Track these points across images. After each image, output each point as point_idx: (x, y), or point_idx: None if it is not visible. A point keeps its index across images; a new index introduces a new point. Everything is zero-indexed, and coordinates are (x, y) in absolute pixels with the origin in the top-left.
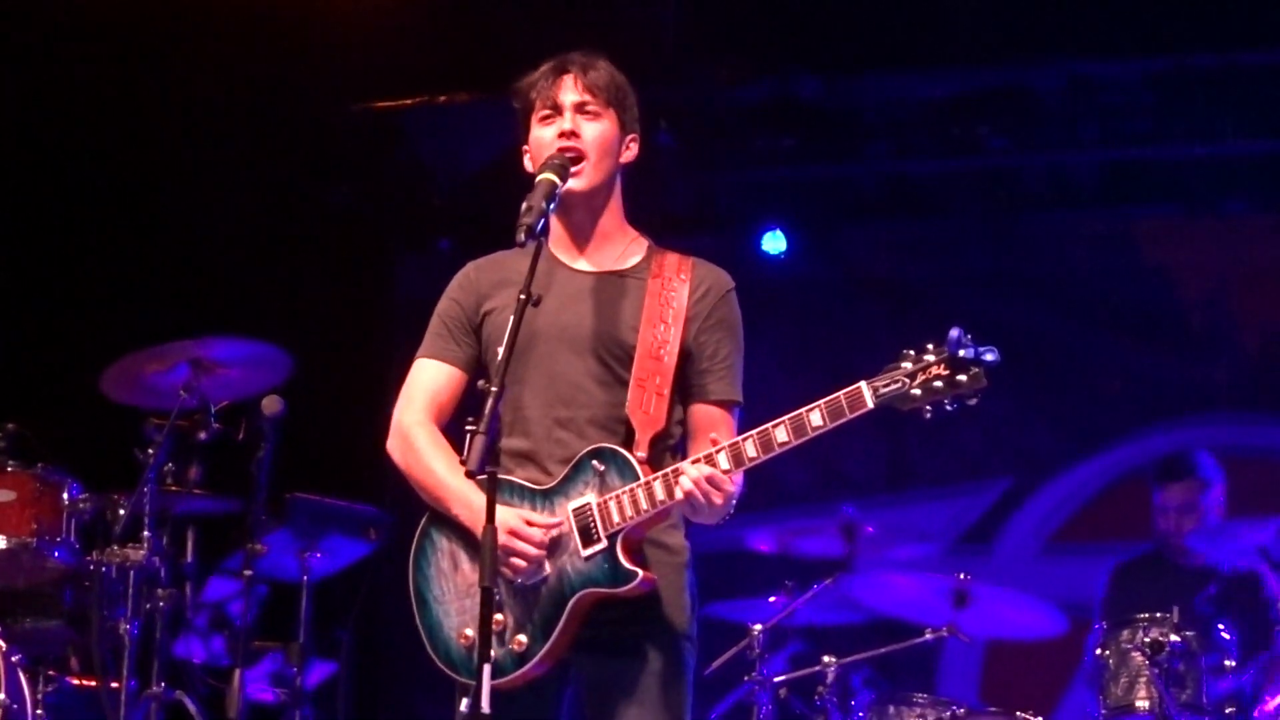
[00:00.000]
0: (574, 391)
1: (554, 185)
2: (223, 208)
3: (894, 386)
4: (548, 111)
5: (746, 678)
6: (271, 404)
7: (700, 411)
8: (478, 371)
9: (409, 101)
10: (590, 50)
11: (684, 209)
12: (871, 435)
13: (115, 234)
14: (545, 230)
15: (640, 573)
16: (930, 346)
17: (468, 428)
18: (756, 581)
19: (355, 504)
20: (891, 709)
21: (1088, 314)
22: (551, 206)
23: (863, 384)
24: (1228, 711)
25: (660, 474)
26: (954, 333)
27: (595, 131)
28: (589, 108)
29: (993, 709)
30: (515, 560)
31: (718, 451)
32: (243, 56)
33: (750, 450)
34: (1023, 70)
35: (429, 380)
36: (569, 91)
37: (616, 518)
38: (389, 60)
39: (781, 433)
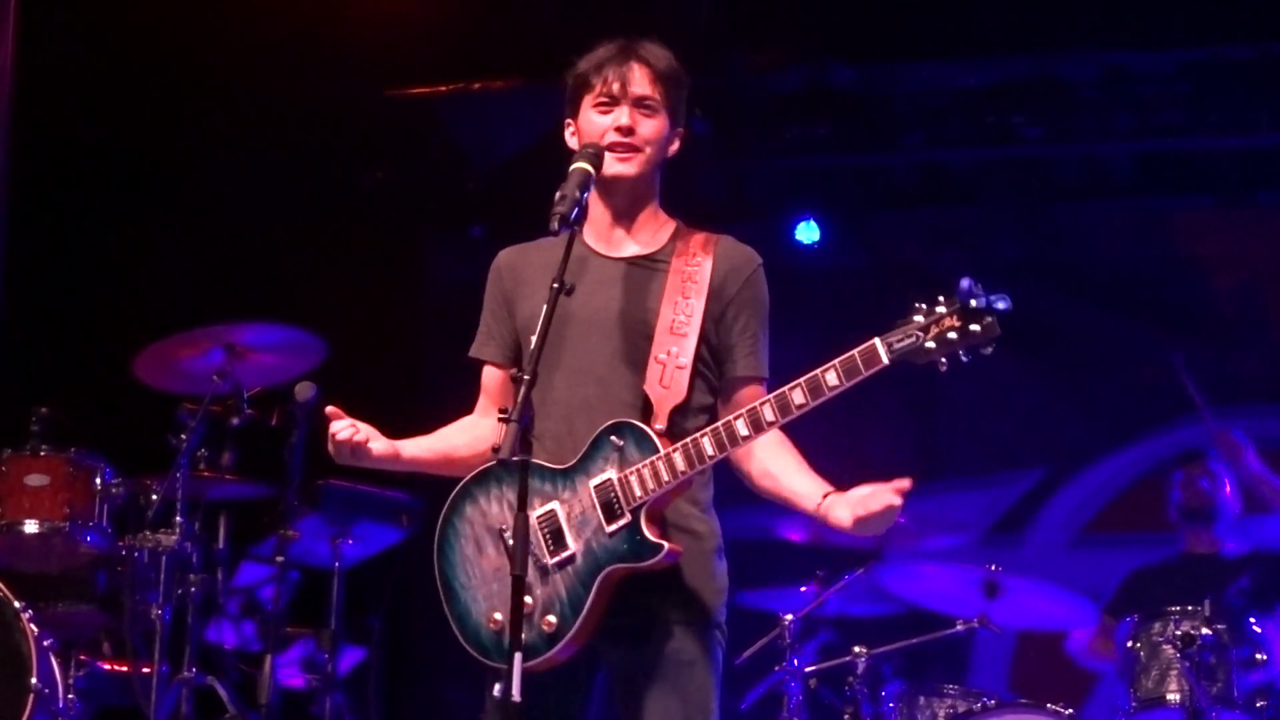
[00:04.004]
0: (601, 375)
1: (588, 174)
2: (257, 192)
3: (908, 341)
4: (606, 99)
5: (777, 667)
6: (304, 389)
7: (736, 388)
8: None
9: (444, 88)
10: (649, 38)
11: (717, 197)
12: (902, 423)
13: (149, 218)
14: (579, 219)
15: (665, 545)
16: (941, 298)
17: (499, 416)
18: (787, 571)
19: (387, 490)
20: (922, 700)
21: (1121, 304)
22: (585, 195)
23: (877, 340)
24: (1259, 705)
25: (680, 444)
26: (964, 282)
27: (651, 129)
28: (648, 103)
29: (1023, 700)
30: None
31: (736, 419)
32: (278, 42)
33: (768, 414)
34: (1057, 60)
35: (482, 382)
36: (635, 83)
37: (638, 491)
38: (424, 46)
39: (798, 395)
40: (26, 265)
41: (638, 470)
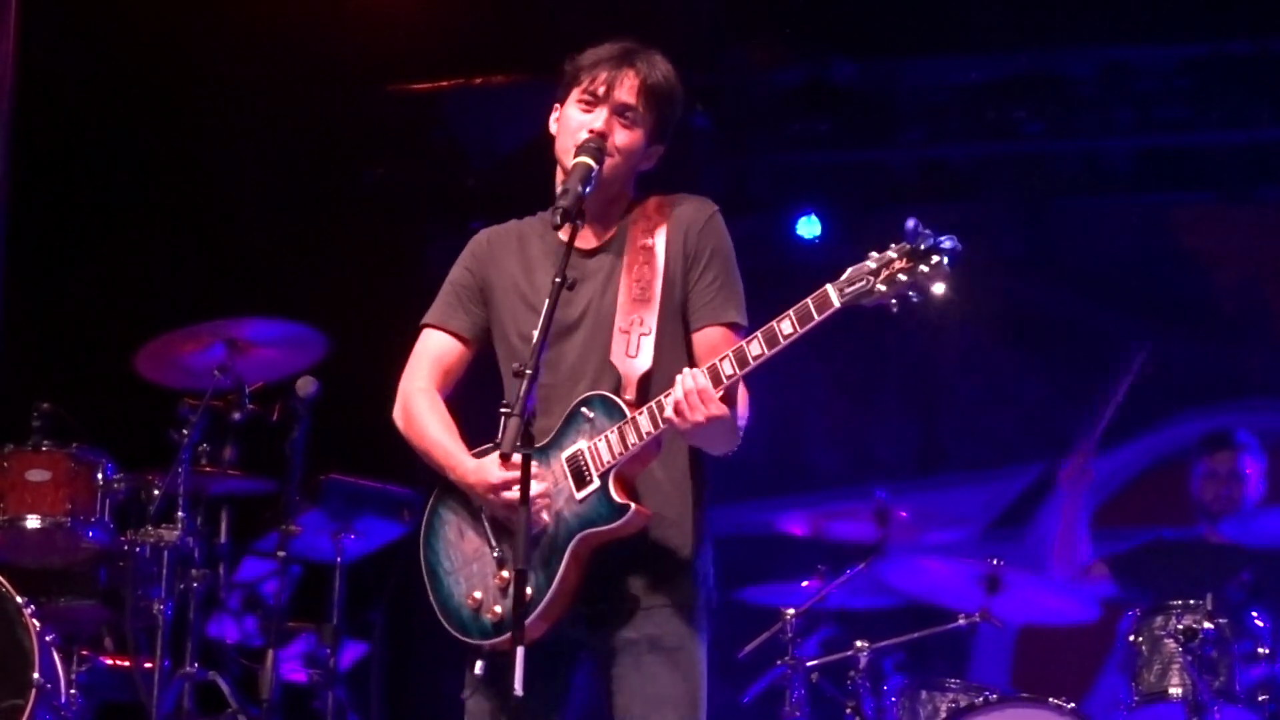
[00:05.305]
0: (586, 368)
1: (590, 169)
2: (258, 187)
3: (859, 284)
4: (590, 97)
5: (779, 661)
6: (305, 385)
7: (699, 339)
8: (485, 340)
9: (445, 83)
10: (650, 46)
11: (718, 193)
12: (904, 418)
13: (150, 214)
14: (581, 214)
15: (633, 506)
16: (893, 244)
17: (501, 410)
18: (789, 565)
19: (389, 485)
20: (924, 694)
21: (1122, 300)
22: (587, 190)
23: (829, 286)
24: (1260, 699)
25: (645, 407)
26: (910, 223)
27: (624, 139)
28: (629, 114)
29: (1025, 695)
30: (511, 512)
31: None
32: (279, 36)
33: (727, 368)
34: (1058, 56)
35: (434, 348)
36: (620, 90)
37: (606, 456)
38: (425, 41)
39: (755, 346)
40: (28, 261)
41: (605, 436)
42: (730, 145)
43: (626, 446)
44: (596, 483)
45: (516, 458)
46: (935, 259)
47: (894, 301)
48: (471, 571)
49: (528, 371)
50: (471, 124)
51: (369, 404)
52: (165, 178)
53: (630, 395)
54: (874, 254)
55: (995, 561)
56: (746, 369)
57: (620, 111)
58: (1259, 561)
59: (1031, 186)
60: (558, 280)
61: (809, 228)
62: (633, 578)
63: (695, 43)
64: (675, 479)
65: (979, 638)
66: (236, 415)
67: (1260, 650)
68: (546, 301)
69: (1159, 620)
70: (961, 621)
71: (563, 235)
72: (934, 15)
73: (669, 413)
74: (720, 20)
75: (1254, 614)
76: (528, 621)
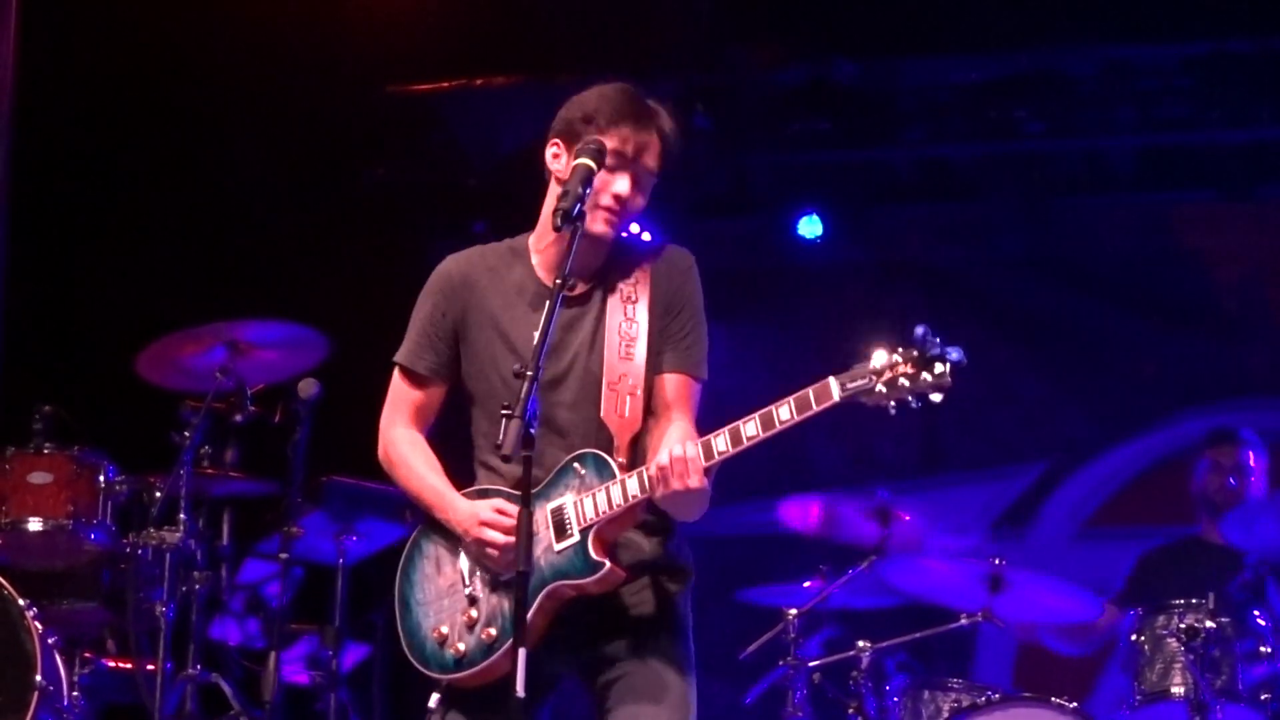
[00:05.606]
0: (577, 422)
1: (590, 170)
2: (260, 189)
3: (861, 382)
4: (617, 161)
5: (781, 662)
6: (307, 386)
7: (660, 382)
8: (456, 373)
9: (445, 84)
10: (647, 94)
11: (719, 192)
12: (905, 418)
13: (151, 215)
14: (582, 215)
15: (607, 563)
16: (900, 345)
17: (503, 412)
18: (791, 565)
19: (390, 487)
20: (926, 694)
21: (1123, 299)
22: (588, 191)
23: (831, 379)
24: (1263, 698)
25: (635, 471)
26: (919, 330)
27: (640, 204)
28: (646, 179)
29: (1027, 694)
30: (489, 551)
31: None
32: (280, 38)
33: (721, 444)
34: (1059, 55)
35: (409, 389)
36: (648, 156)
37: (590, 513)
38: (426, 43)
39: (750, 427)
40: (29, 263)
41: (592, 493)
42: (730, 145)
43: (611, 506)
44: (576, 536)
45: (509, 506)
46: (939, 369)
47: (892, 405)
48: (441, 606)
49: (528, 373)
50: (471, 124)
51: (370, 405)
52: (165, 178)
53: (623, 457)
54: (881, 352)
55: (997, 561)
56: (739, 448)
57: (640, 176)
58: (1260, 561)
59: (1032, 185)
60: (558, 282)
61: (810, 227)
62: (613, 627)
63: (695, 43)
64: (652, 528)
65: (981, 637)
66: (238, 417)
67: (1262, 649)
68: (546, 305)
69: (1161, 619)
70: (964, 621)
71: (540, 269)
72: (934, 15)
73: (652, 472)
74: (720, 20)
75: (1256, 613)
76: (492, 660)
